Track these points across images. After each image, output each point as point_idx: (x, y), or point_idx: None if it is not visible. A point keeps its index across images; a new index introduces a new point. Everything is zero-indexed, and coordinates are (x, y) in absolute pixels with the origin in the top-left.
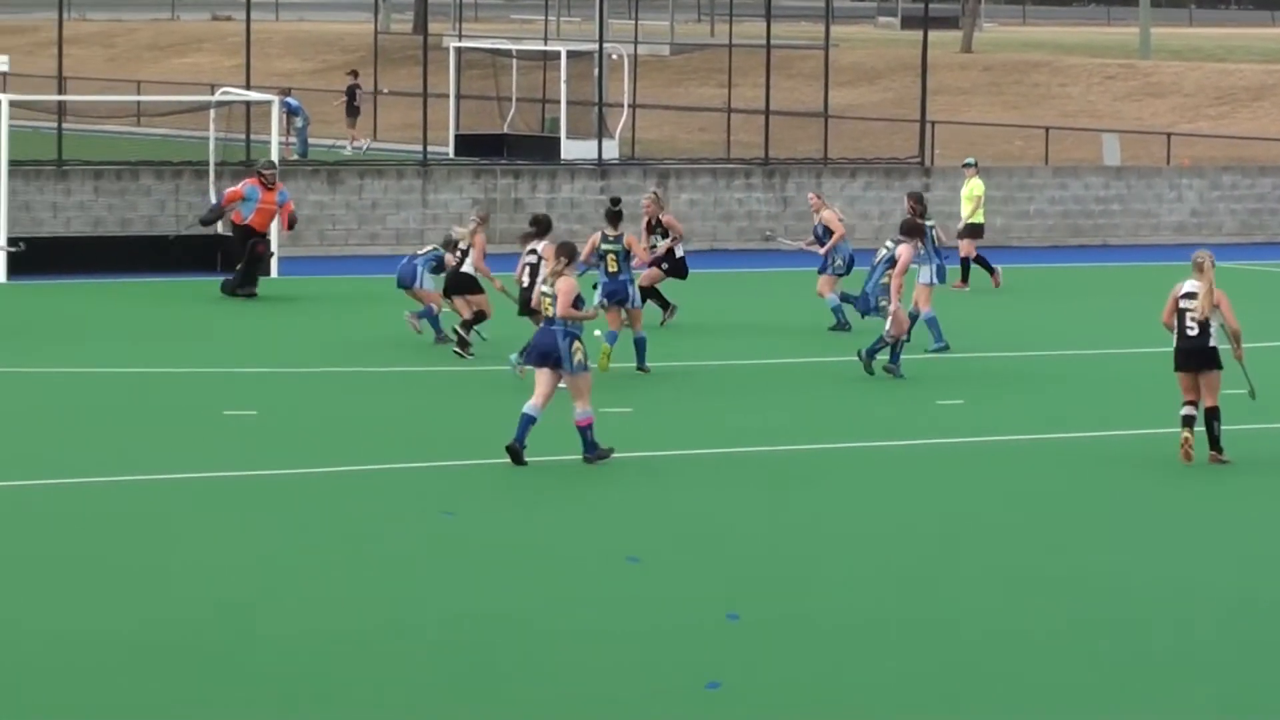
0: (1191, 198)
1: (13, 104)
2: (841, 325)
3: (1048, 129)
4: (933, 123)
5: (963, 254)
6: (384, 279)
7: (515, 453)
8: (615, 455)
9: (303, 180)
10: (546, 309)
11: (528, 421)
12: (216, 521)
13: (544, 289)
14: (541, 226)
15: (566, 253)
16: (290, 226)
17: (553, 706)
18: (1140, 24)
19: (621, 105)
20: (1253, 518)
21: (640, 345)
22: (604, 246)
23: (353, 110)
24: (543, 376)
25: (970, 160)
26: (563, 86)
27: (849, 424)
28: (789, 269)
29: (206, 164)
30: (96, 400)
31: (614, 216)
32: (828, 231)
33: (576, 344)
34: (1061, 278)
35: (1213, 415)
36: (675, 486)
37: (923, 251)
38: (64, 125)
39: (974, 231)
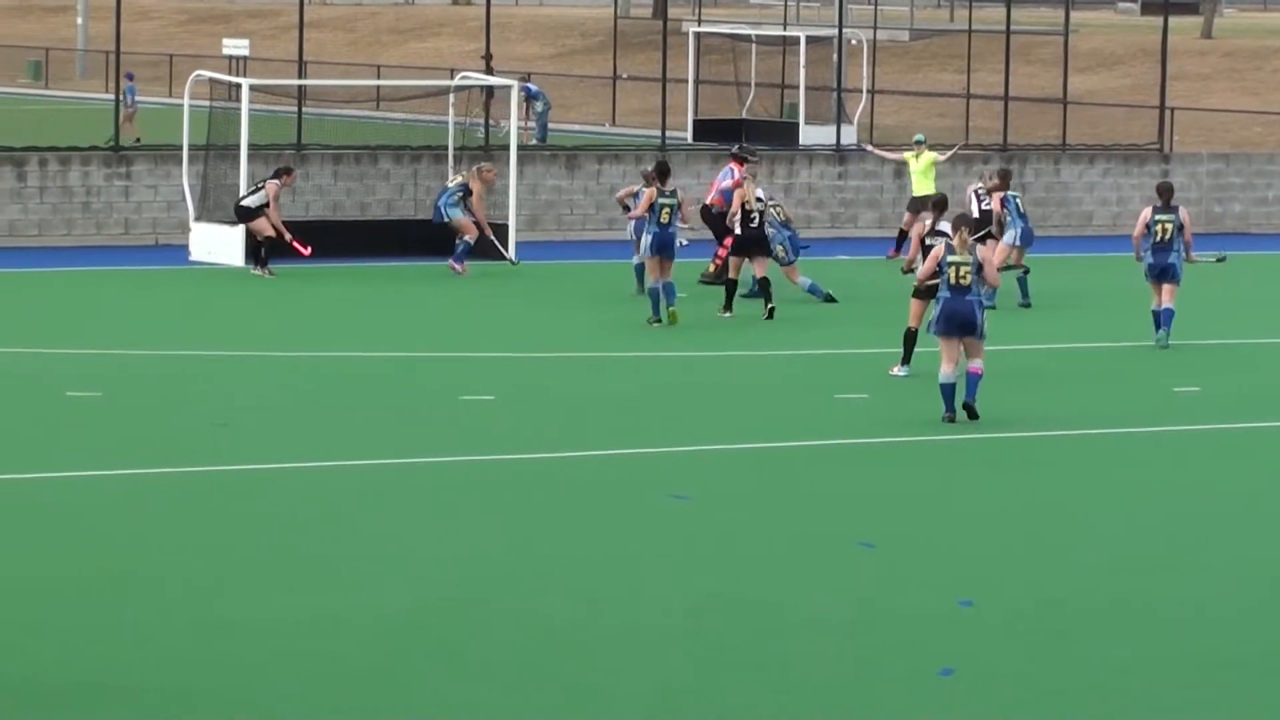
0: None
1: (253, 88)
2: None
3: None
4: (1172, 109)
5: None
6: (622, 264)
7: (951, 419)
8: (854, 441)
9: (541, 165)
10: (964, 279)
11: (950, 390)
12: (454, 507)
13: (956, 259)
14: (940, 206)
15: (969, 224)
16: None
17: (788, 691)
18: None
19: (860, 91)
20: None
21: (670, 290)
22: (661, 200)
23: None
24: (953, 344)
25: (919, 137)
26: (801, 72)
27: (1088, 410)
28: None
29: (445, 149)
30: (336, 385)
31: (663, 173)
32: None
33: (985, 312)
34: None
35: None
36: (909, 470)
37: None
38: (303, 109)
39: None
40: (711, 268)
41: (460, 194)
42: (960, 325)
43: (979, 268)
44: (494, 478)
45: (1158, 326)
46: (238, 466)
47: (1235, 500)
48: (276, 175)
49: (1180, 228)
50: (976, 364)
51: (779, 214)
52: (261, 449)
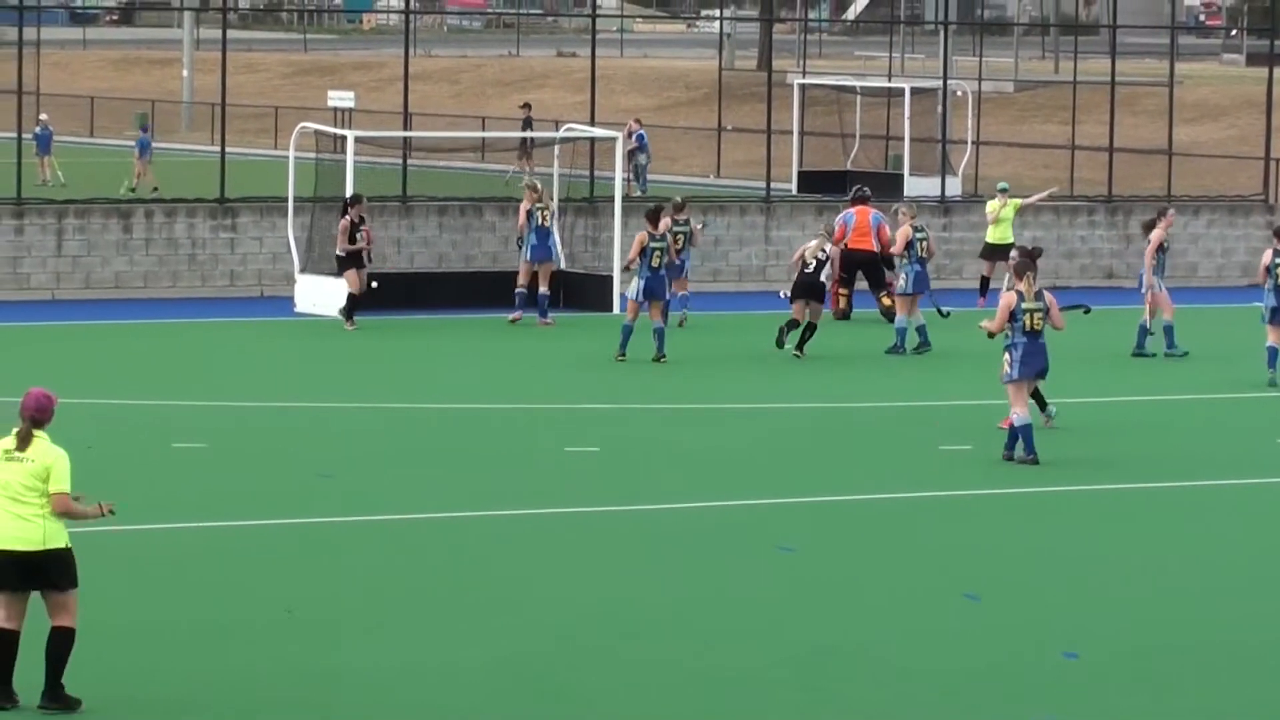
0: None
1: (358, 140)
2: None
3: None
4: (1277, 160)
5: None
6: (726, 314)
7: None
8: (958, 493)
9: (641, 216)
10: (1037, 324)
11: (1029, 430)
12: (561, 558)
13: (1029, 306)
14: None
15: (1018, 268)
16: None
17: None
18: None
19: (965, 142)
20: None
21: (660, 335)
22: (652, 244)
23: (524, 141)
24: (1026, 388)
25: (1004, 185)
26: (906, 123)
27: (1191, 461)
28: (1130, 306)
29: (550, 200)
30: (440, 437)
31: (654, 218)
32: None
33: (1006, 356)
34: None
35: None
36: (1013, 522)
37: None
38: (409, 161)
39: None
40: (842, 303)
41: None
42: (1039, 370)
43: (1047, 312)
44: (598, 529)
45: (1270, 363)
46: (341, 518)
47: None
48: (344, 211)
49: None
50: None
51: (923, 248)
52: (365, 500)
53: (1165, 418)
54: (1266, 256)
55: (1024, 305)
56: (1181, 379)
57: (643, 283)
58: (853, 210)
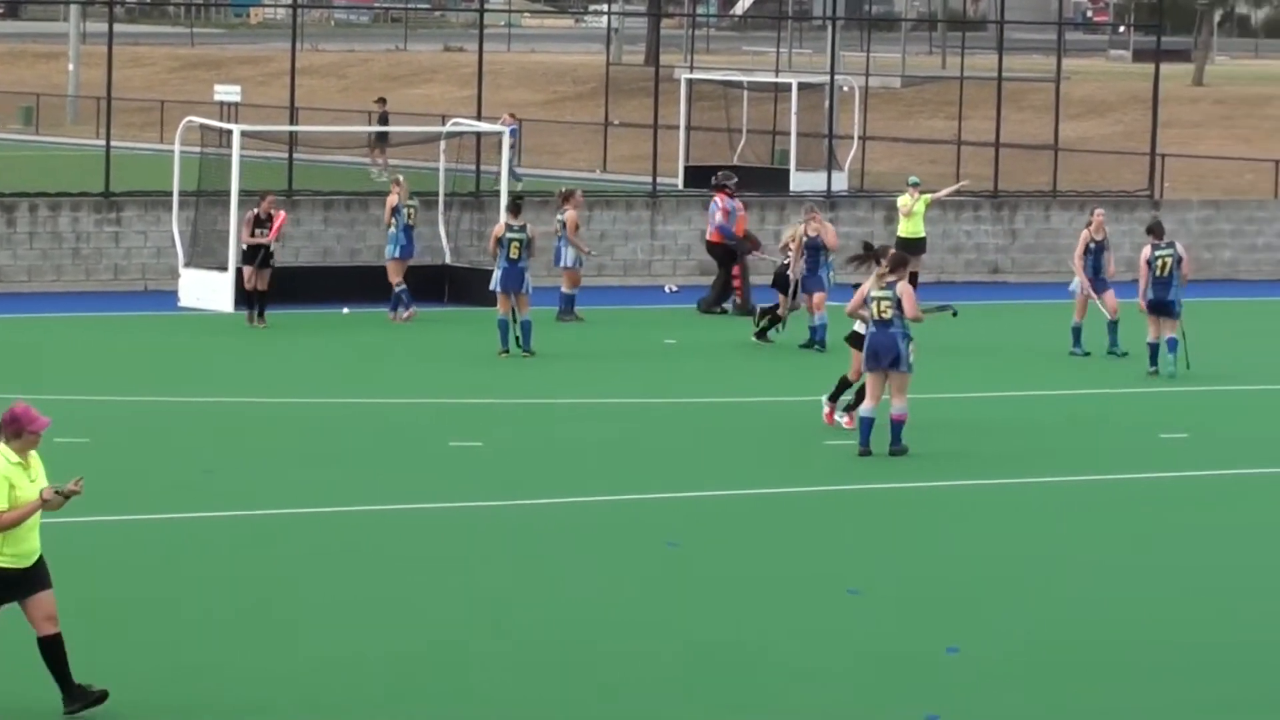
0: None
1: (244, 134)
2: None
3: (1278, 162)
4: (1163, 156)
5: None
6: (612, 309)
7: (866, 454)
8: (842, 487)
9: (531, 211)
10: (885, 312)
11: (868, 424)
12: (446, 552)
13: (879, 294)
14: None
15: (900, 261)
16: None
17: None
18: None
19: (851, 137)
20: None
21: (526, 328)
22: (509, 235)
23: (382, 136)
24: (878, 378)
25: (914, 179)
26: (793, 118)
27: (1074, 456)
28: (1014, 301)
29: (436, 194)
30: (323, 432)
31: (515, 209)
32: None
33: (912, 344)
34: None
35: None
36: (897, 517)
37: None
38: (295, 155)
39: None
40: (738, 298)
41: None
42: (878, 357)
43: (899, 302)
44: (483, 524)
45: (1153, 360)
46: (224, 514)
47: (1223, 546)
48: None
49: (1179, 261)
50: (899, 408)
51: (1163, 267)
52: (247, 496)
53: (1050, 413)
54: (1146, 251)
55: (872, 293)
56: (1068, 374)
57: (499, 273)
58: (720, 199)
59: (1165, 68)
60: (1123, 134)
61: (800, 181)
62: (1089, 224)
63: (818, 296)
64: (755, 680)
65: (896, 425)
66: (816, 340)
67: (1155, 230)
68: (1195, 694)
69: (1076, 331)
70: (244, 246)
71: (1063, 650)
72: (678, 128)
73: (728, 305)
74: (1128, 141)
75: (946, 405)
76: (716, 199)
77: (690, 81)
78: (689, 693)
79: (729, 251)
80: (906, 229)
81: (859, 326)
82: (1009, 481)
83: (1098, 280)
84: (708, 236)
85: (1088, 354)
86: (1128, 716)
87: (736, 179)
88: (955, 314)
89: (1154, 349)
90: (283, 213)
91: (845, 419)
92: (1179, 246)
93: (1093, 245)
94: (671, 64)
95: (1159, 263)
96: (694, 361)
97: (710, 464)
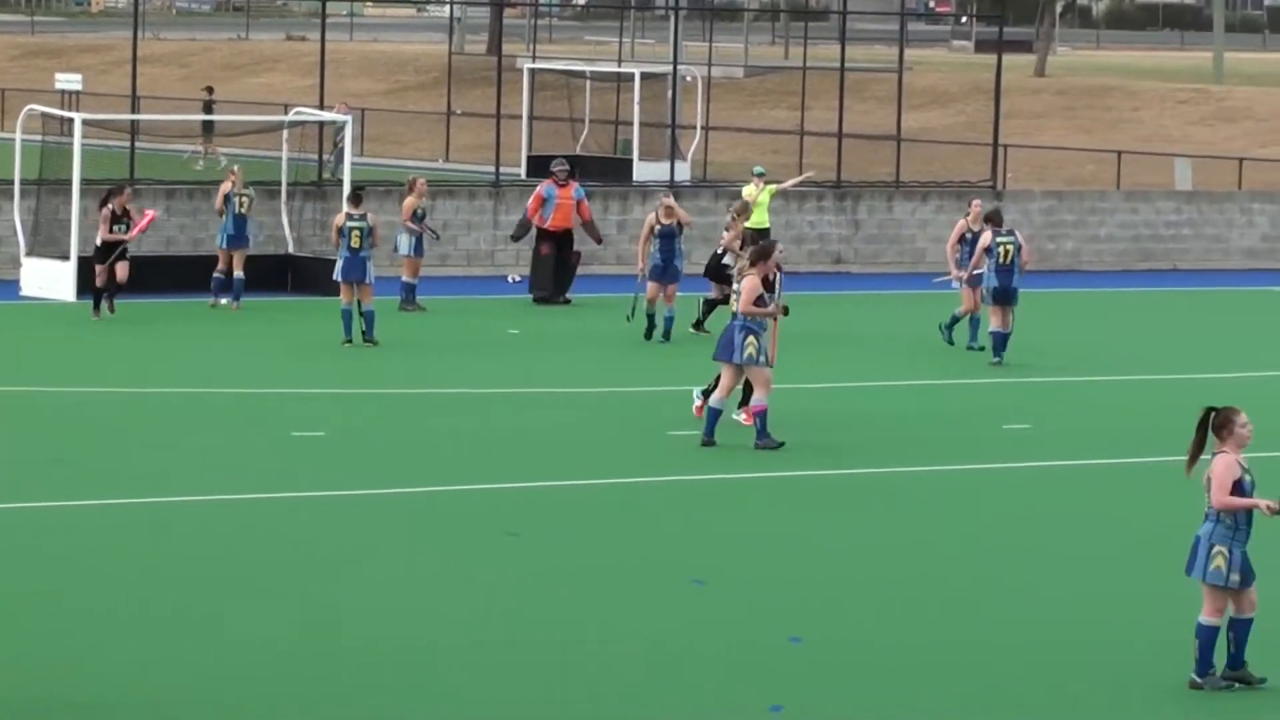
0: (1263, 223)
1: (85, 123)
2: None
3: (1120, 153)
4: (1005, 146)
5: None
6: (455, 299)
7: (709, 444)
8: (687, 478)
9: (374, 201)
10: (732, 305)
11: (715, 415)
12: (286, 542)
13: (735, 287)
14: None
15: (753, 255)
16: (589, 221)
17: None
18: (1214, 49)
19: (694, 127)
20: None
21: (369, 318)
22: (349, 224)
23: (209, 125)
24: (727, 370)
25: (759, 169)
26: (635, 108)
27: (916, 448)
28: (856, 291)
29: (279, 184)
30: (169, 421)
31: (356, 198)
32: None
33: (750, 338)
34: (1130, 302)
35: None
36: (741, 507)
37: None
38: (136, 144)
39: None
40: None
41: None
42: (722, 350)
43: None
44: (324, 514)
45: (997, 349)
46: (72, 503)
47: (1069, 536)
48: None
49: (1019, 248)
50: (756, 400)
51: (1004, 255)
52: (98, 485)
53: (895, 404)
54: (986, 238)
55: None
56: (910, 365)
57: (341, 263)
58: (554, 185)
59: (1007, 58)
60: (965, 124)
61: (643, 171)
62: (966, 214)
63: (671, 288)
64: (598, 670)
65: (755, 417)
66: (663, 332)
67: (994, 218)
68: (1031, 690)
69: (975, 323)
70: (99, 243)
71: (907, 642)
72: (520, 117)
73: (570, 296)
74: (970, 132)
75: (793, 396)
76: (550, 183)
77: (533, 71)
78: (530, 683)
79: (570, 238)
80: (751, 219)
81: None
82: (853, 472)
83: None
84: (547, 225)
85: (951, 344)
86: (970, 710)
87: (568, 168)
88: (786, 312)
89: (1001, 338)
90: (153, 212)
91: (741, 415)
92: (1018, 234)
93: (969, 235)
94: (514, 53)
95: (1001, 250)
96: (537, 352)
97: (553, 454)
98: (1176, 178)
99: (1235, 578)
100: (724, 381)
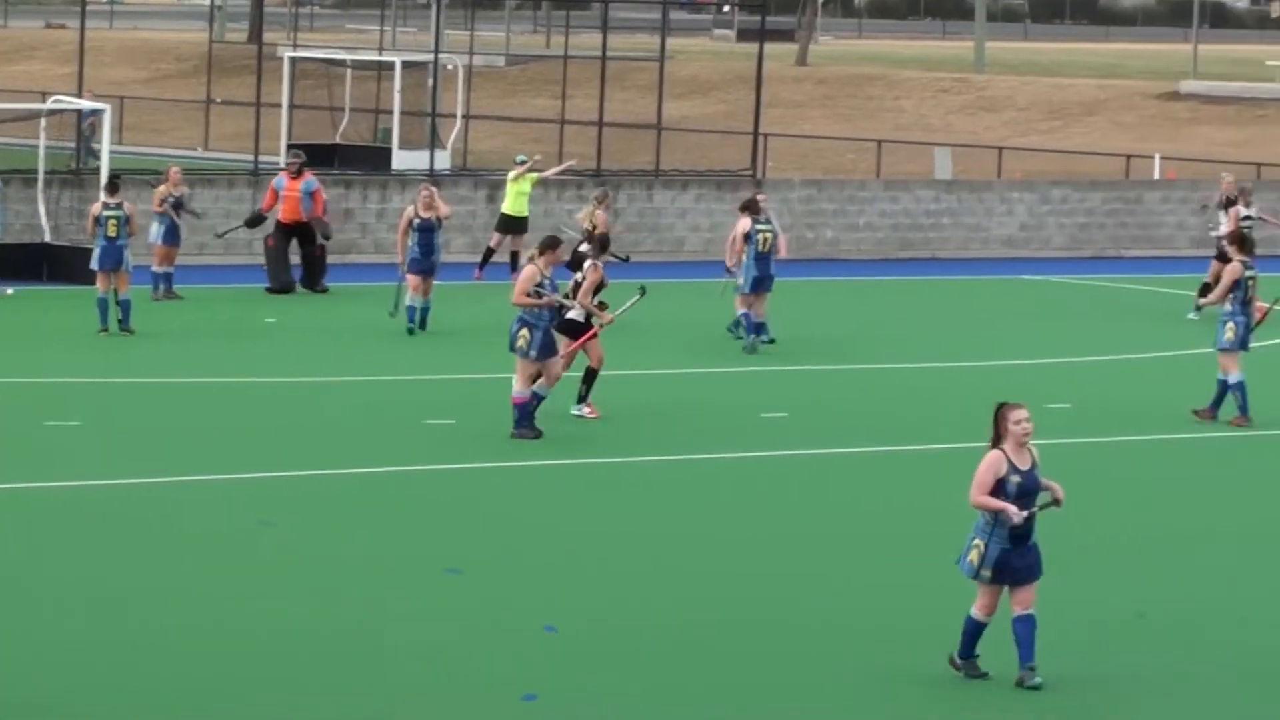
0: (1021, 211)
1: None
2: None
3: (880, 142)
4: (766, 135)
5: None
6: (212, 288)
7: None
8: (444, 466)
9: (132, 190)
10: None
11: (523, 406)
12: (39, 534)
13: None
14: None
15: (541, 245)
16: (323, 213)
17: (369, 715)
18: (975, 39)
19: (455, 116)
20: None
21: (125, 306)
22: (105, 214)
23: None
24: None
25: (522, 157)
26: (396, 97)
27: (674, 435)
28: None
29: (35, 172)
30: None
31: (112, 187)
32: None
33: (524, 330)
34: (890, 290)
35: None
36: (499, 495)
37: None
38: None
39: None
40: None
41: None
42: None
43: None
44: (76, 505)
45: (761, 332)
46: None
47: (824, 522)
48: None
49: (777, 236)
50: (518, 391)
51: (763, 243)
52: None
53: (654, 392)
54: (745, 224)
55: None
56: (668, 354)
57: (98, 252)
58: (285, 177)
59: (769, 48)
60: (726, 113)
61: (403, 160)
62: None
63: (429, 280)
64: (353, 658)
65: (515, 406)
66: (419, 322)
67: (751, 206)
68: (785, 675)
69: (752, 320)
70: None
71: (661, 628)
72: (281, 106)
73: (328, 284)
74: (731, 121)
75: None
76: (282, 174)
77: (294, 59)
78: (285, 672)
79: (308, 230)
80: (511, 208)
81: (574, 314)
82: (611, 461)
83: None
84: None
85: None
86: (724, 696)
87: (299, 160)
88: (644, 293)
89: (760, 326)
90: None
91: (585, 409)
92: (775, 223)
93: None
94: (275, 42)
95: (760, 238)
96: (295, 341)
97: (309, 443)
98: (936, 167)
99: (986, 573)
100: (518, 373)
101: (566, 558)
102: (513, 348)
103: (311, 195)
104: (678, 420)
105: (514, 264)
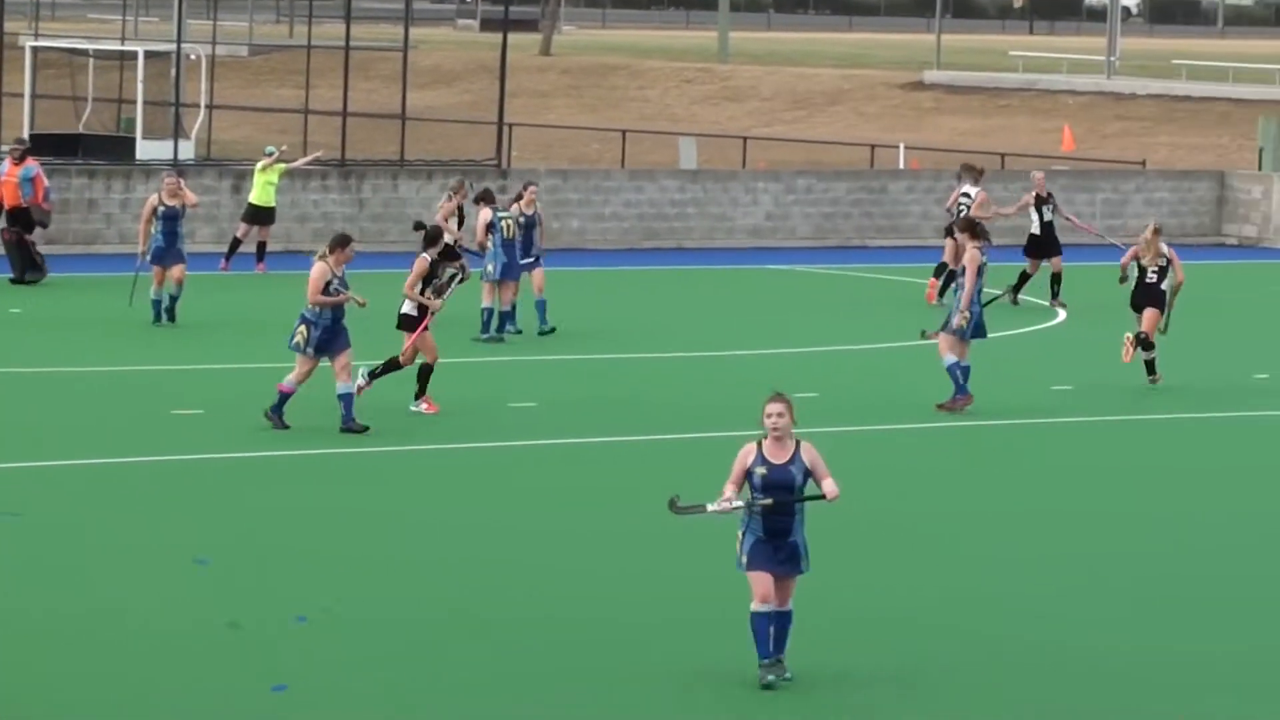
0: (766, 201)
1: None
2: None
3: (624, 132)
4: (510, 125)
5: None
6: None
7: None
8: (192, 457)
9: None
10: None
11: (282, 398)
12: None
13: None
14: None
15: (329, 243)
16: (44, 200)
17: (112, 710)
18: (719, 28)
19: (199, 106)
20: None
21: None
22: None
23: None
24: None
25: (271, 149)
26: (139, 86)
27: (421, 427)
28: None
29: None
30: None
31: None
32: None
33: (301, 327)
34: (636, 280)
35: None
36: (248, 485)
37: None
38: None
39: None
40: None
41: None
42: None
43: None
44: None
45: (500, 328)
46: None
47: (578, 513)
48: None
49: (535, 226)
50: (286, 381)
51: (507, 230)
52: None
53: (403, 386)
54: (486, 214)
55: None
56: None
57: None
58: (7, 163)
59: (513, 37)
60: (470, 103)
61: (147, 150)
62: (519, 198)
63: (176, 269)
64: (99, 648)
65: (279, 396)
66: (167, 311)
67: (486, 197)
68: (550, 662)
69: (500, 314)
70: None
71: (411, 622)
72: (23, 95)
73: (41, 275)
74: (475, 110)
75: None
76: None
77: (35, 49)
78: (27, 661)
79: (27, 216)
80: (259, 198)
81: (407, 308)
82: (355, 451)
83: (526, 258)
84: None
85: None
86: (474, 688)
87: (22, 146)
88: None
89: (504, 316)
90: None
91: (422, 405)
92: (537, 212)
93: (523, 220)
94: (16, 31)
95: (504, 226)
96: (40, 332)
97: (54, 434)
98: (681, 156)
99: (743, 560)
100: (297, 366)
101: (316, 548)
102: (290, 343)
103: (31, 181)
104: (455, 413)
105: (260, 254)
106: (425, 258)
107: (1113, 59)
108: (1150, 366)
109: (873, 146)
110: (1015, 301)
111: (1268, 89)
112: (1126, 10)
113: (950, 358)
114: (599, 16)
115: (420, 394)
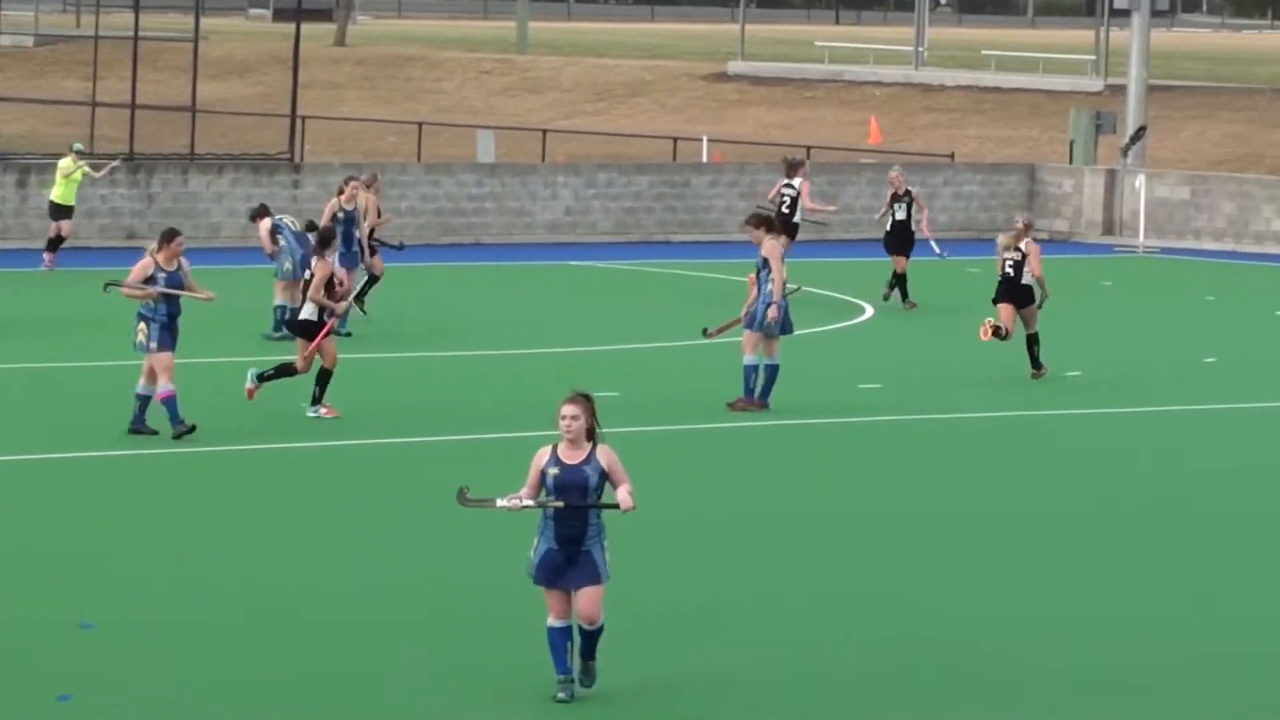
0: (566, 195)
1: None
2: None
3: (421, 125)
4: (304, 117)
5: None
6: None
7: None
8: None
9: None
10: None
11: (142, 401)
12: None
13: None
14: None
15: (159, 237)
16: None
17: None
18: (518, 18)
19: None
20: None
21: None
22: None
23: None
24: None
25: (79, 146)
26: None
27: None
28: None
29: None
30: None
31: None
32: None
33: (140, 325)
34: (433, 276)
35: None
36: (28, 491)
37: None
38: None
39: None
40: None
41: None
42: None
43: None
44: None
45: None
46: None
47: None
48: None
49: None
50: (162, 387)
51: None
52: None
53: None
54: (265, 224)
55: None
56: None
57: None
58: None
59: (306, 27)
60: (263, 95)
61: None
62: (340, 192)
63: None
64: None
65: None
66: None
67: (261, 212)
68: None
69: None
70: None
71: (208, 622)
72: None
73: None
74: (268, 103)
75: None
76: None
77: None
78: None
79: None
80: (60, 195)
81: (307, 313)
82: (156, 453)
83: (349, 253)
84: None
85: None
86: (273, 690)
87: None
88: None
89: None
90: None
91: (321, 410)
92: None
93: (341, 215)
94: None
95: (290, 224)
96: None
97: None
98: (479, 150)
99: (532, 570)
100: (158, 369)
101: (101, 554)
102: (135, 344)
103: None
104: (226, 413)
105: (52, 246)
106: (327, 261)
107: (921, 50)
108: (1035, 360)
109: (675, 139)
110: (899, 301)
111: (1079, 80)
112: (935, 0)
113: (750, 358)
114: (394, 5)
115: (319, 399)
